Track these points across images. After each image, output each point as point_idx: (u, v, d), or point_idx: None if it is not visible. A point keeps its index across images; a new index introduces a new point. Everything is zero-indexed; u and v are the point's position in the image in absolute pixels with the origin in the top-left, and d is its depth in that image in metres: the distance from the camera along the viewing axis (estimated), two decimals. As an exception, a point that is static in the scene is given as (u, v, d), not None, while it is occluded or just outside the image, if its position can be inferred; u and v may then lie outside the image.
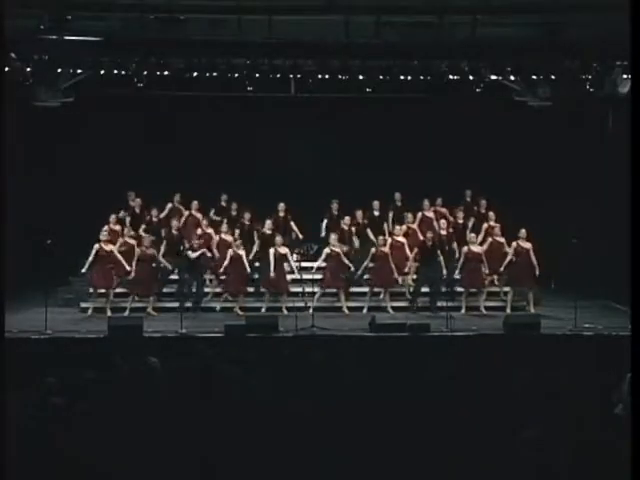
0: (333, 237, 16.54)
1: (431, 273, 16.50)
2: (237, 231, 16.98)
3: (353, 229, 17.10)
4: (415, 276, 16.78)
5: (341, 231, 16.94)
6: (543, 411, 7.67)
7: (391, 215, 17.58)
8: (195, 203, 17.43)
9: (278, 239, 16.45)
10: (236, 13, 15.27)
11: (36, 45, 15.64)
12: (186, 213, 17.46)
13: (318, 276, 16.36)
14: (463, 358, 10.73)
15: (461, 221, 17.43)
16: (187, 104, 18.28)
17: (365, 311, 16.39)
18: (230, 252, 16.29)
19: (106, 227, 16.47)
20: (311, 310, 15.48)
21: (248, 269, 16.45)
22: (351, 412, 7.59)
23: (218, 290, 16.73)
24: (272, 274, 16.21)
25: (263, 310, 16.18)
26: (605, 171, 17.30)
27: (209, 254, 16.63)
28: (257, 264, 16.92)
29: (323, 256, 16.50)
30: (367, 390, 8.48)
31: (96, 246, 15.97)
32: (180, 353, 11.09)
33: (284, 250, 16.45)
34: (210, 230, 16.95)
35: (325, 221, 17.38)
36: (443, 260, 16.50)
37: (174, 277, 16.80)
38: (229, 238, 16.64)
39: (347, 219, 17.08)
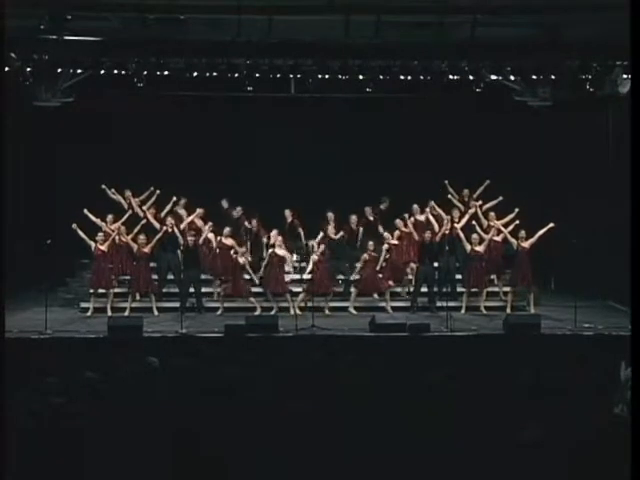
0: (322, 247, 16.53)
1: (429, 271, 16.52)
2: (245, 237, 16.94)
3: (346, 236, 17.03)
4: (413, 277, 16.77)
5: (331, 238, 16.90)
6: (543, 411, 7.67)
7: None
8: (190, 205, 17.34)
9: (278, 240, 16.43)
10: (236, 13, 15.26)
11: (36, 45, 15.64)
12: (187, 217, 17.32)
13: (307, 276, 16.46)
14: (463, 358, 10.74)
15: (457, 221, 17.31)
16: (187, 104, 18.27)
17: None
18: (230, 255, 16.30)
19: (104, 226, 16.48)
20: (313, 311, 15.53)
21: (253, 278, 16.49)
22: (351, 412, 7.59)
23: (218, 290, 16.69)
24: (271, 278, 16.29)
25: (273, 311, 16.14)
26: (605, 171, 17.30)
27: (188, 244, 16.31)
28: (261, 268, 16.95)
29: (310, 266, 16.45)
30: (367, 390, 8.48)
31: (93, 245, 16.03)
32: (180, 353, 11.10)
33: (282, 252, 16.44)
34: (205, 229, 16.84)
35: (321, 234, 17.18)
36: (442, 260, 16.54)
37: (171, 277, 16.81)
38: (229, 242, 16.56)
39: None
